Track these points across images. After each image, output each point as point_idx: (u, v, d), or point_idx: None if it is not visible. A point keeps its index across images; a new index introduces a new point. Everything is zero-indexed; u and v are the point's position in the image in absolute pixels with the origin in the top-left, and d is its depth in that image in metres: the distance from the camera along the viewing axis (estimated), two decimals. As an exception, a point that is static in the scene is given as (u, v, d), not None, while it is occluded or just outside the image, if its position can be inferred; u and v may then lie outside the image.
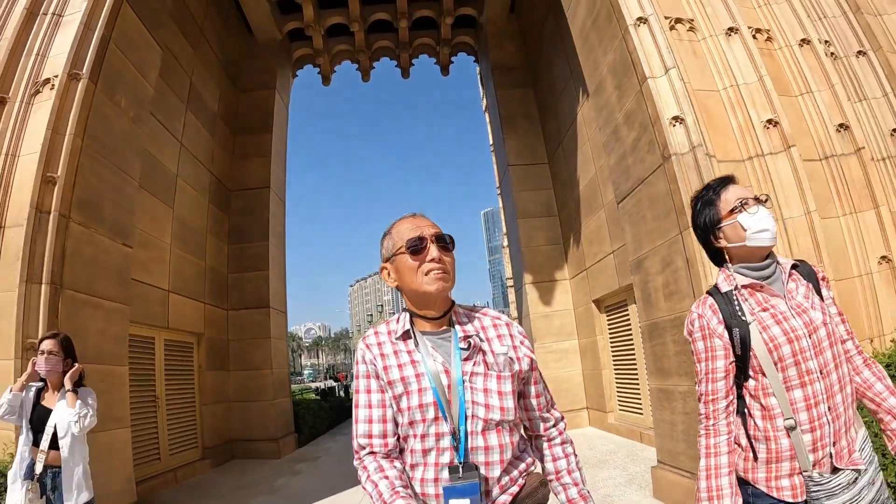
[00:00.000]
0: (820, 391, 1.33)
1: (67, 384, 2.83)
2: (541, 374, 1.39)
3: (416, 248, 1.26)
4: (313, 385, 34.49)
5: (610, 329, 8.07)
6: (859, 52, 4.91)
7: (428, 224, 1.32)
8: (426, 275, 1.25)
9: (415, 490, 1.23)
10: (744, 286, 1.44)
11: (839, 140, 4.52)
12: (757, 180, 4.14)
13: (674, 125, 4.02)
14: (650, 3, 4.48)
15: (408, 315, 1.33)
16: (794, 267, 1.47)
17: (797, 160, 4.19)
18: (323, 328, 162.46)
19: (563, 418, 1.42)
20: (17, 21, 5.06)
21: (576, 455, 1.39)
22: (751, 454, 1.39)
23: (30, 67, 4.89)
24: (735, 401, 1.41)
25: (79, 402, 2.82)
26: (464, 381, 1.24)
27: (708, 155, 3.99)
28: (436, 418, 1.21)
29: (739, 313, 1.40)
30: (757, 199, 1.43)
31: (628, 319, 7.32)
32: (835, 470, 1.34)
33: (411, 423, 1.23)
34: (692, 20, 4.63)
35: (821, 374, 1.34)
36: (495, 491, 1.23)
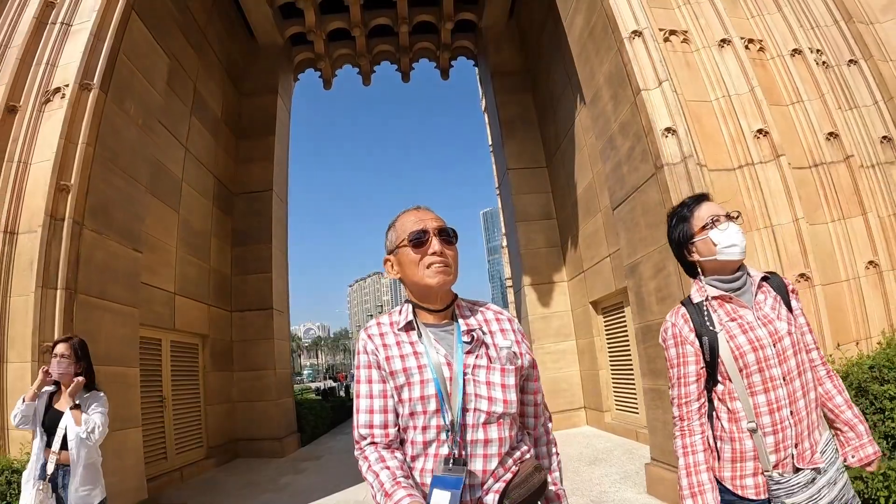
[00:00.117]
0: (783, 396, 1.42)
1: (69, 402, 2.86)
2: (538, 374, 1.42)
3: (419, 240, 1.27)
4: (313, 385, 34.58)
5: (607, 330, 8.21)
6: (851, 61, 5.00)
7: (431, 217, 1.32)
8: (428, 268, 1.26)
9: (415, 481, 1.21)
10: (714, 297, 1.54)
11: (829, 148, 4.62)
12: (747, 188, 4.29)
13: (666, 136, 4.17)
14: (645, 16, 4.62)
15: (410, 306, 1.33)
16: (764, 279, 1.57)
17: (786, 169, 4.33)
18: (322, 328, 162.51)
19: (551, 418, 1.46)
20: (27, 30, 5.15)
21: (558, 455, 1.44)
22: (716, 454, 1.48)
23: (40, 76, 4.99)
24: (706, 403, 1.51)
25: (84, 416, 2.85)
26: (466, 374, 1.24)
27: (699, 165, 4.13)
28: (437, 410, 1.21)
29: (708, 323, 1.50)
30: (728, 216, 1.54)
31: (624, 321, 7.46)
32: (797, 470, 1.41)
33: (412, 415, 1.23)
34: (686, 32, 4.76)
35: (784, 380, 1.43)
36: (489, 481, 1.22)
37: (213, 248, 8.62)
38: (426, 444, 1.22)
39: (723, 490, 1.47)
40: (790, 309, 1.54)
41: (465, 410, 1.22)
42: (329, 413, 12.12)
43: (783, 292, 1.56)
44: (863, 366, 3.55)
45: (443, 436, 1.21)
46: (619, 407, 7.94)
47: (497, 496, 1.21)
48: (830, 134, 4.64)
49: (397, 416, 1.26)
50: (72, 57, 5.01)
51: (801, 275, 4.11)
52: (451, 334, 1.30)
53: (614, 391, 8.08)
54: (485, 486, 1.22)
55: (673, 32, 4.70)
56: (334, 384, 28.55)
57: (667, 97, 4.30)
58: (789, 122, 4.67)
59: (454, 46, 11.72)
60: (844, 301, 4.26)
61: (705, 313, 1.52)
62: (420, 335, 1.28)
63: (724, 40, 4.72)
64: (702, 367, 1.51)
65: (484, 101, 18.44)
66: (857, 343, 4.15)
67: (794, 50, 4.92)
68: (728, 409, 1.48)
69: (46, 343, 3.98)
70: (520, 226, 9.70)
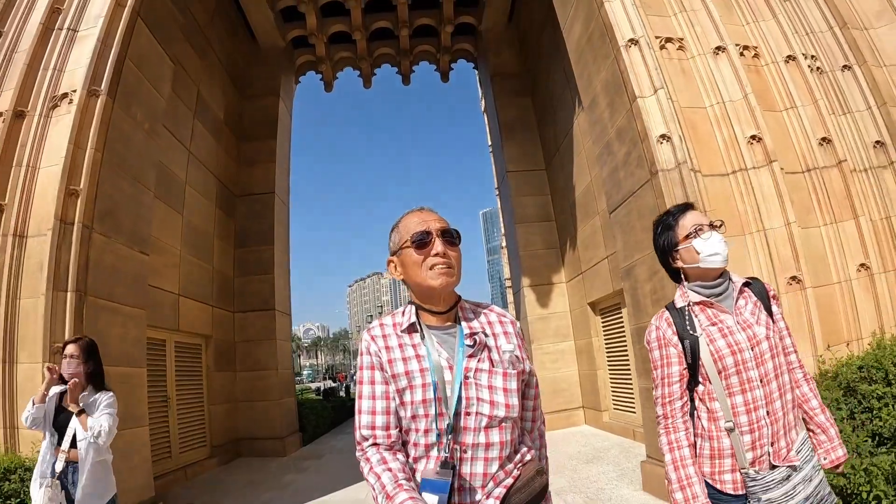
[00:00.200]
0: (760, 397, 1.50)
1: (73, 408, 2.90)
2: (537, 380, 1.45)
3: (422, 242, 1.27)
4: (312, 385, 34.68)
5: (604, 331, 8.31)
6: (845, 67, 5.06)
7: (434, 218, 1.32)
8: (431, 269, 1.26)
9: (417, 483, 1.20)
10: (696, 303, 1.61)
11: (821, 153, 4.69)
12: (740, 193, 4.39)
13: (661, 143, 4.27)
14: (641, 25, 4.71)
15: (413, 308, 1.33)
16: (746, 284, 1.65)
17: (778, 174, 4.42)
18: (322, 329, 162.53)
19: (545, 422, 1.49)
20: (33, 36, 5.20)
21: (547, 458, 1.47)
22: (697, 451, 1.56)
23: (47, 81, 5.05)
24: (689, 402, 1.59)
25: (90, 420, 2.89)
26: (467, 378, 1.23)
27: (693, 171, 4.23)
28: (439, 414, 1.21)
29: (689, 327, 1.57)
30: (712, 226, 1.61)
31: (622, 322, 7.55)
32: (773, 467, 1.47)
33: (414, 418, 1.23)
34: (682, 39, 4.85)
35: (761, 382, 1.50)
36: (490, 485, 1.22)
37: (215, 250, 8.72)
38: (428, 447, 1.22)
39: (705, 485, 1.54)
40: (771, 314, 1.62)
41: (466, 414, 1.22)
42: (330, 413, 12.23)
43: (764, 298, 1.63)
44: (852, 366, 3.65)
45: (444, 439, 1.21)
46: (616, 406, 8.04)
47: (497, 502, 1.21)
48: (823, 139, 4.71)
49: (399, 417, 1.26)
50: (79, 63, 5.08)
51: (793, 277, 4.20)
52: (454, 337, 1.29)
53: (612, 391, 8.18)
54: (486, 490, 1.22)
55: (669, 40, 4.79)
56: (334, 384, 28.70)
57: (662, 105, 4.40)
58: (783, 128, 4.74)
59: (454, 49, 11.82)
60: (836, 303, 4.34)
61: (687, 318, 1.60)
62: (423, 337, 1.28)
63: (719, 47, 4.81)
64: (684, 368, 1.58)
65: (483, 103, 18.53)
66: (849, 344, 4.24)
67: (789, 56, 4.97)
68: (707, 408, 1.56)
69: (57, 344, 4.07)
70: (519, 227, 9.80)
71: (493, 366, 1.26)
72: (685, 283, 1.68)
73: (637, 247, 4.73)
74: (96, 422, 2.88)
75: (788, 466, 1.47)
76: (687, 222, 1.64)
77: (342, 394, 19.22)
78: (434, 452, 1.22)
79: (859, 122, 4.88)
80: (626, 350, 7.49)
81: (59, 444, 2.92)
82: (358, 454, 1.27)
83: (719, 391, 1.53)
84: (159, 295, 6.79)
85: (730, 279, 1.65)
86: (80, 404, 2.94)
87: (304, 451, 9.09)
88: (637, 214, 4.67)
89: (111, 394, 3.06)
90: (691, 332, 1.57)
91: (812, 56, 5.09)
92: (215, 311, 8.49)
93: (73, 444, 2.90)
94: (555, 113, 9.22)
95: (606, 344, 8.27)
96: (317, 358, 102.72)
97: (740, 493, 1.50)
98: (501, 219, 17.90)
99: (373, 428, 1.24)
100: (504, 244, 22.71)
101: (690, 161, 4.26)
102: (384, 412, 1.25)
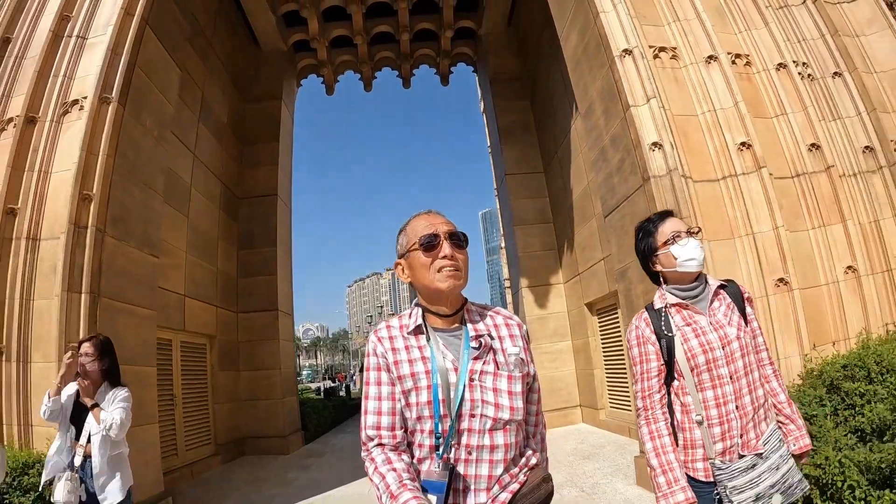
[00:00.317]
0: (729, 393, 1.62)
1: (87, 402, 3.02)
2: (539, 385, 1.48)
3: (429, 244, 1.28)
4: (312, 385, 34.81)
5: (601, 331, 8.47)
6: (835, 73, 5.19)
7: (442, 221, 1.33)
8: (438, 272, 1.27)
9: (422, 483, 1.22)
10: (672, 304, 1.74)
11: (811, 159, 4.81)
12: (730, 198, 4.54)
13: (653, 150, 4.43)
14: (635, 35, 4.86)
15: (420, 310, 1.34)
16: (722, 287, 1.78)
17: (767, 180, 4.57)
18: (321, 329, 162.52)
19: (546, 425, 1.51)
20: (43, 43, 5.31)
21: (547, 460, 1.49)
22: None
23: (58, 88, 5.16)
24: (666, 395, 1.73)
25: (103, 413, 3.00)
26: (472, 380, 1.25)
27: (683, 177, 4.39)
28: (444, 416, 1.22)
29: (665, 327, 1.71)
30: (689, 232, 1.74)
31: (618, 322, 7.71)
32: (742, 457, 1.60)
33: (419, 419, 1.25)
34: (675, 48, 5.00)
35: (731, 378, 1.63)
36: (495, 489, 1.23)
37: (219, 251, 8.86)
38: (433, 448, 1.23)
39: None
40: (744, 314, 1.75)
41: (471, 416, 1.23)
42: (331, 412, 12.38)
43: (738, 299, 1.77)
44: (836, 365, 3.79)
45: (445, 440, 1.23)
46: (612, 404, 8.20)
47: None
48: (812, 145, 4.83)
49: (405, 418, 1.27)
50: (88, 70, 5.18)
51: (780, 279, 4.35)
52: (460, 339, 1.31)
53: (608, 389, 8.33)
54: (491, 494, 1.23)
55: (662, 49, 4.94)
56: (334, 384, 28.88)
57: (654, 113, 4.55)
58: (773, 134, 4.87)
59: (454, 53, 11.97)
60: (824, 304, 4.47)
61: (664, 318, 1.74)
62: (429, 339, 1.30)
63: (711, 56, 4.94)
64: (662, 364, 1.71)
65: (483, 105, 18.68)
66: (835, 344, 4.37)
67: (780, 64, 5.08)
68: (681, 402, 1.70)
69: (72, 344, 4.21)
70: (518, 229, 9.96)
71: (498, 368, 1.27)
72: (664, 286, 1.80)
73: (631, 250, 4.81)
74: (109, 415, 2.99)
75: (755, 455, 1.60)
76: (666, 229, 1.76)
77: (342, 393, 19.38)
78: (437, 453, 1.24)
79: (849, 127, 4.99)
80: (621, 350, 7.63)
81: (77, 438, 3.04)
82: (363, 454, 1.28)
83: (691, 387, 1.66)
84: (165, 296, 6.93)
85: (706, 282, 1.78)
86: (95, 399, 3.06)
87: (307, 450, 9.24)
88: (631, 219, 4.83)
89: (126, 389, 3.18)
90: (667, 332, 1.71)
91: (803, 63, 5.20)
92: (219, 311, 8.64)
93: (90, 438, 3.02)
94: (553, 117, 9.36)
95: (603, 344, 8.43)
96: (316, 358, 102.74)
97: (711, 479, 1.62)
98: (500, 219, 18.04)
99: (378, 428, 1.26)
100: (503, 245, 22.88)
101: (681, 167, 4.41)
102: (390, 413, 1.27)
